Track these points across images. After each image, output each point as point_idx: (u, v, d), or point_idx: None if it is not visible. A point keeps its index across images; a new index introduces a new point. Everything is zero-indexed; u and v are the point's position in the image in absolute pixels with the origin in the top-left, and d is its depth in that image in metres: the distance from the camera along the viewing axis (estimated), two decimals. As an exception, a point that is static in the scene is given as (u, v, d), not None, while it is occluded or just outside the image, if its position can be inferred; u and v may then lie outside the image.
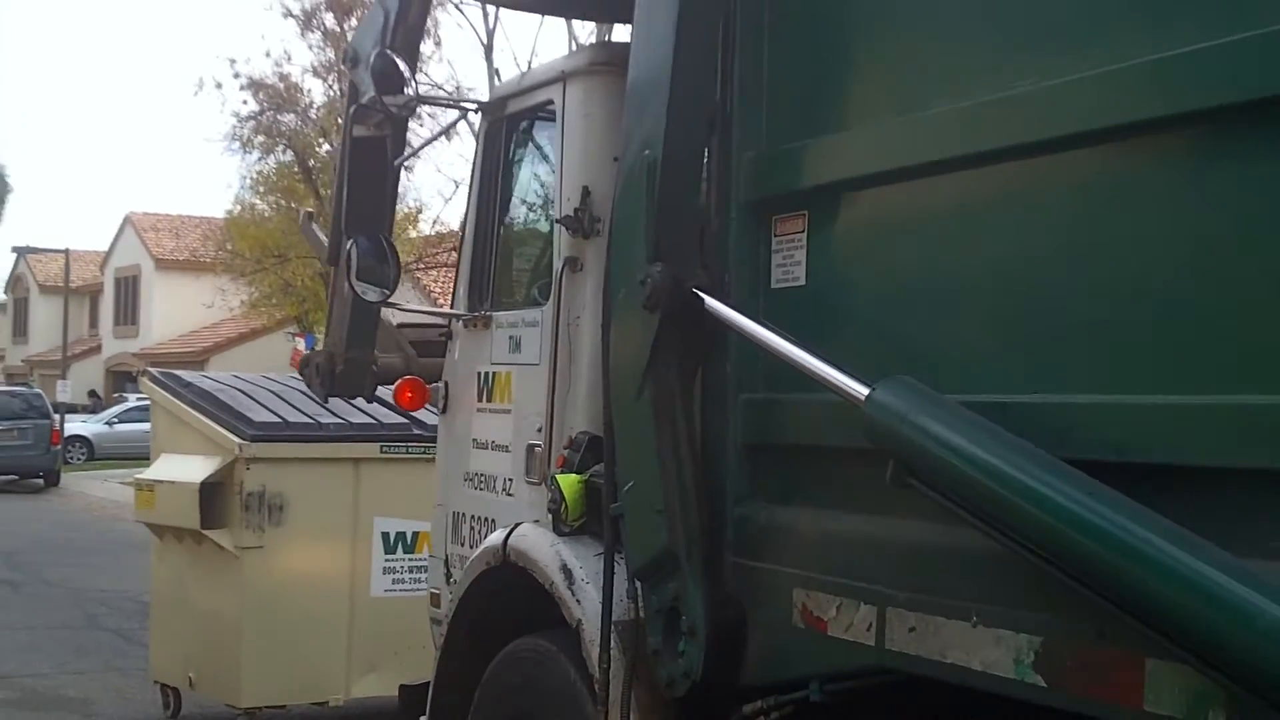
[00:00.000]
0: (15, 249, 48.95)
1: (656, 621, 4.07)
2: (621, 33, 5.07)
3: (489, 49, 22.45)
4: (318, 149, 28.10)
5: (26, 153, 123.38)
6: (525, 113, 5.38)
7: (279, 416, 8.08)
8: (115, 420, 37.17)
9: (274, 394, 8.60)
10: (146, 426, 10.93)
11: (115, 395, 43.43)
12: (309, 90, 28.35)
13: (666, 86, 3.94)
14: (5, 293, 61.50)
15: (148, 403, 9.93)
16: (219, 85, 28.66)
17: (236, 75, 28.05)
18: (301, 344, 22.13)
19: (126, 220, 49.85)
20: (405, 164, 5.93)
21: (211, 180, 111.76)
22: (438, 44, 24.68)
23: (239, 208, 30.83)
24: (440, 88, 22.82)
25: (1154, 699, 2.73)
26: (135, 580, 13.43)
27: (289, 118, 28.84)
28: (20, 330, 58.52)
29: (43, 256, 49.16)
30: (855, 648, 3.50)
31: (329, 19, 27.05)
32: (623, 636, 4.26)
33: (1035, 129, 3.09)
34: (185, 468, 8.19)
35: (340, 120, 24.52)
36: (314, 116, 28.36)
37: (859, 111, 3.71)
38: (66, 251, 41.63)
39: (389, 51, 5.47)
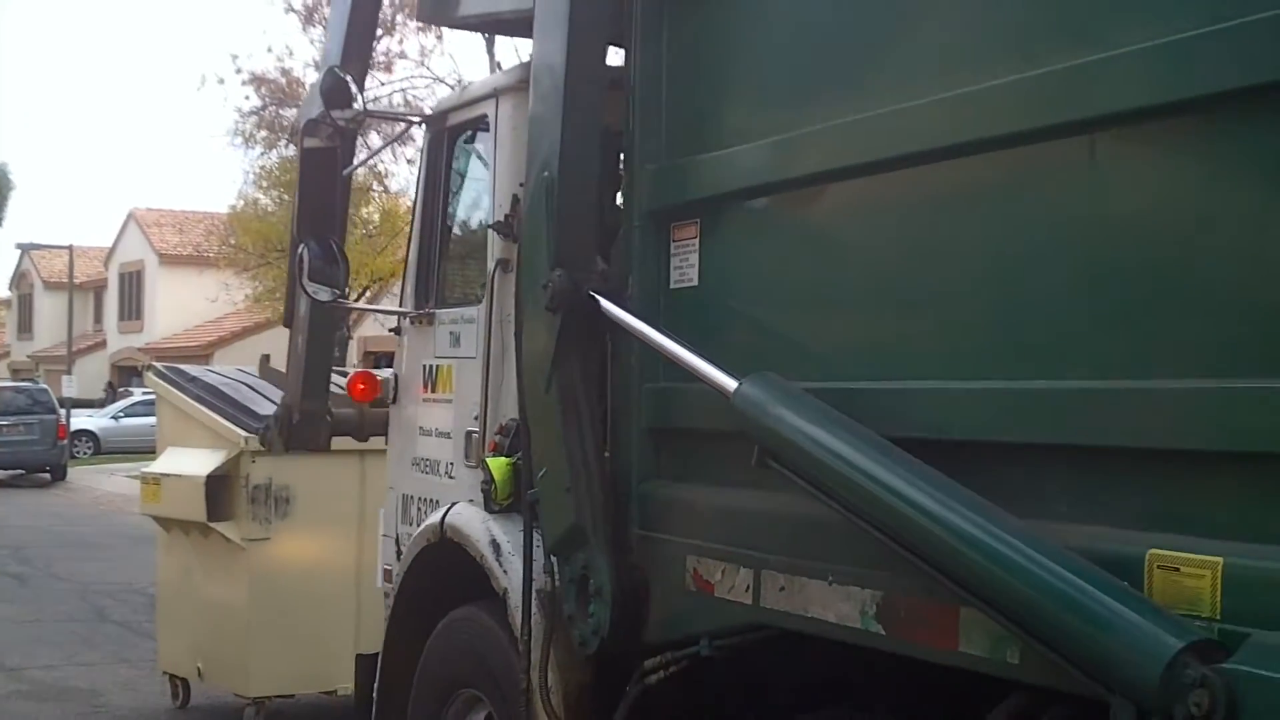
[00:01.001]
0: (19, 245, 49.20)
1: (570, 590, 4.53)
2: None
3: (490, 41, 22.73)
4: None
5: (30, 150, 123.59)
6: (464, 125, 5.82)
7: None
8: (121, 414, 37.31)
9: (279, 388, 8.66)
10: (152, 421, 10.89)
11: (120, 390, 43.45)
12: (311, 85, 28.36)
13: (560, 116, 4.42)
14: (10, 289, 61.57)
15: (153, 397, 9.90)
16: (221, 81, 28.80)
17: (239, 71, 27.96)
18: None
19: (130, 216, 49.92)
20: (353, 172, 6.35)
21: (215, 175, 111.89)
22: (439, 37, 24.81)
23: (242, 203, 30.50)
24: (442, 80, 23.09)
25: (965, 642, 3.18)
26: (142, 573, 13.50)
27: (291, 112, 28.84)
28: (25, 326, 58.60)
29: (47, 253, 49.22)
30: (737, 606, 3.96)
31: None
32: (542, 603, 4.73)
33: (878, 150, 3.55)
34: (191, 461, 8.28)
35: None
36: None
37: (739, 132, 4.15)
38: (70, 248, 41.76)
39: (336, 70, 5.92)
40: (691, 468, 4.30)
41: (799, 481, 3.50)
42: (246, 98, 28.49)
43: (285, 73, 28.00)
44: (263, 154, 29.44)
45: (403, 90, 24.28)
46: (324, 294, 5.95)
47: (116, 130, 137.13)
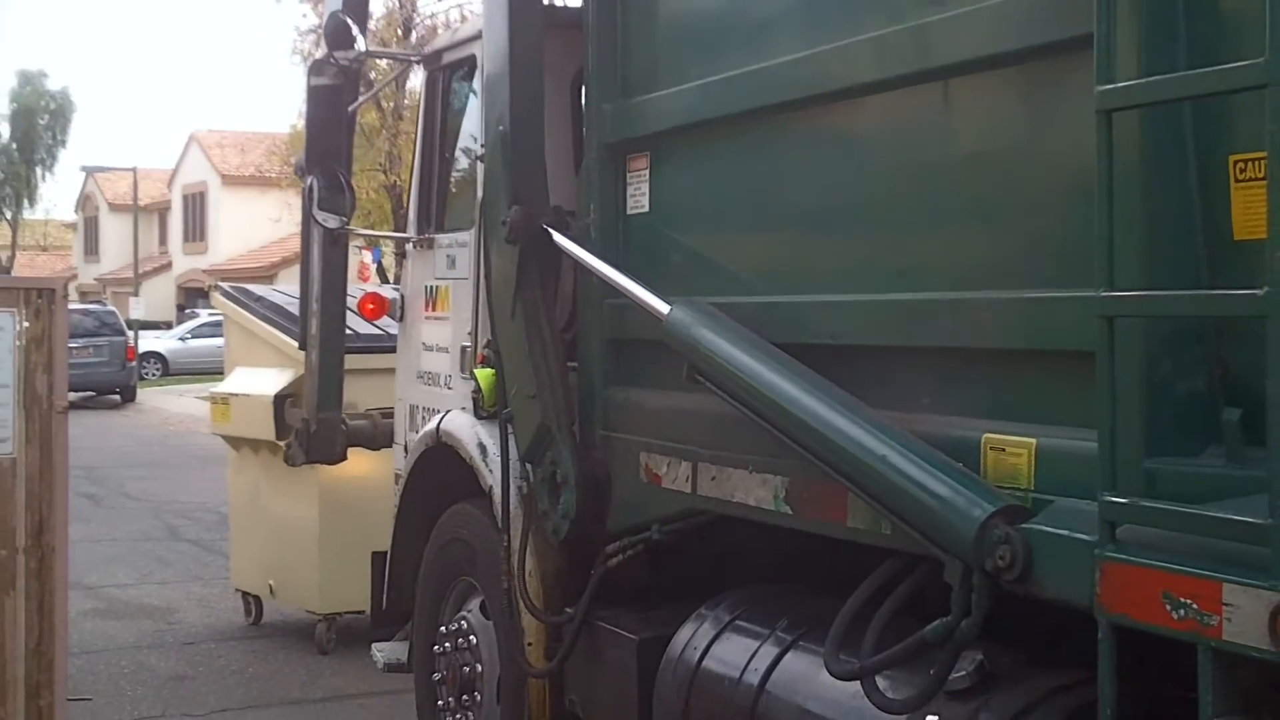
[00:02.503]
0: (84, 168, 49.82)
1: (542, 489, 5.10)
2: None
3: None
4: (377, 60, 28.11)
5: (92, 72, 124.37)
6: (457, 64, 6.32)
7: (350, 328, 7.70)
8: (188, 336, 37.60)
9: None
10: (219, 342, 10.80)
11: (187, 311, 44.01)
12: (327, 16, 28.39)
13: (507, 77, 4.98)
14: (76, 212, 62.34)
15: (219, 318, 10.00)
16: (278, 0, 28.44)
17: None
18: (368, 256, 22.27)
19: (192, 138, 50.43)
20: (358, 108, 6.87)
21: (275, 95, 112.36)
22: None
23: (302, 122, 30.62)
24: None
25: (852, 518, 3.72)
26: (213, 492, 13.65)
27: None
28: (91, 249, 59.30)
29: (111, 175, 49.76)
30: (679, 495, 4.52)
31: None
32: (521, 499, 5.31)
33: (783, 93, 4.06)
34: (259, 380, 8.38)
35: (399, 31, 25.11)
36: (373, 28, 28.13)
37: (681, 74, 4.64)
38: (134, 170, 42.28)
39: (339, 13, 6.43)
40: (643, 374, 4.84)
41: (718, 392, 4.05)
42: (304, 15, 27.88)
43: None
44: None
45: (460, 5, 24.41)
46: (333, 221, 6.51)
47: (177, 52, 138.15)
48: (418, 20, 25.65)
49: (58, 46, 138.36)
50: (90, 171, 49.73)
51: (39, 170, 57.70)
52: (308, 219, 6.78)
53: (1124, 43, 2.75)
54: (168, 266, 51.76)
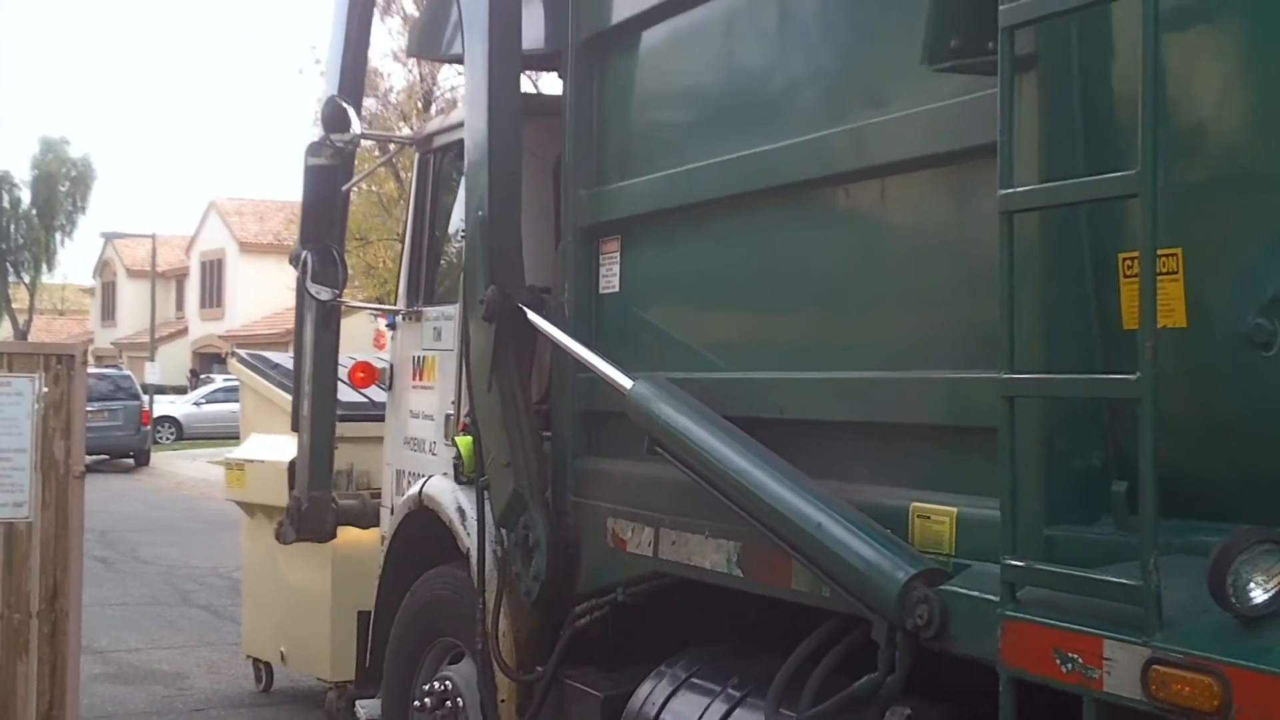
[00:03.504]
0: (103, 234, 50.31)
1: (516, 552, 5.37)
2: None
3: None
4: (399, 132, 28.17)
5: (113, 140, 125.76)
6: (446, 148, 6.66)
7: (365, 396, 7.91)
8: (203, 401, 37.84)
9: None
10: (233, 407, 10.69)
11: (202, 376, 44.19)
12: (388, 75, 27.88)
13: (486, 165, 5.30)
14: (94, 277, 63.00)
15: (234, 383, 9.90)
16: (300, 71, 28.65)
17: (317, 61, 28.08)
18: (384, 324, 22.71)
19: (211, 205, 51.03)
20: (351, 187, 7.19)
21: (294, 164, 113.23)
22: None
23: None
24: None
25: (796, 582, 3.98)
26: (225, 557, 13.76)
27: (369, 102, 28.30)
28: (109, 313, 59.94)
29: (130, 241, 50.34)
30: (642, 559, 4.79)
31: (408, 4, 25.79)
32: (497, 562, 5.57)
33: (737, 185, 4.38)
34: (274, 447, 8.37)
35: (419, 104, 25.40)
36: (393, 101, 28.05)
37: (650, 164, 4.96)
38: (153, 236, 42.79)
39: (336, 98, 6.77)
40: (611, 444, 5.12)
41: (675, 462, 4.34)
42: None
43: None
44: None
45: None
46: (325, 294, 6.82)
47: (198, 121, 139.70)
48: (438, 94, 26.02)
49: (80, 114, 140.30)
50: (109, 237, 50.30)
51: (58, 236, 58.38)
52: (302, 296, 7.08)
53: (1024, 150, 3.05)
54: (184, 332, 52.22)
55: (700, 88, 4.73)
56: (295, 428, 7.39)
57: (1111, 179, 2.78)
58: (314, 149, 6.87)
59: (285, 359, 9.51)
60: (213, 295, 50.54)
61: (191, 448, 33.47)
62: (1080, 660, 2.80)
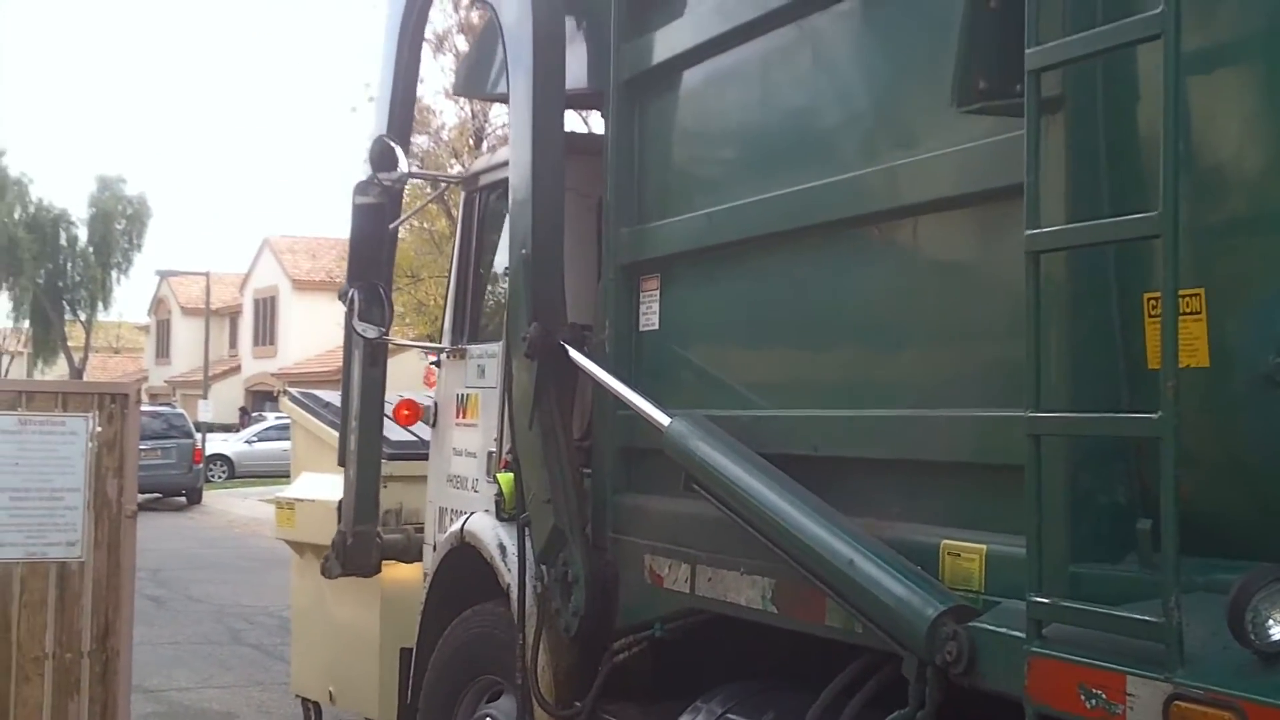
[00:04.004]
0: (158, 272, 51.12)
1: (556, 588, 5.43)
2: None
3: None
4: (449, 169, 28.20)
5: (168, 179, 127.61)
6: (492, 186, 6.76)
7: (415, 435, 7.88)
8: (255, 439, 38.12)
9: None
10: (285, 445, 10.49)
11: (254, 414, 44.51)
12: (440, 112, 28.00)
13: (530, 204, 5.38)
14: (149, 315, 63.82)
15: (286, 421, 9.77)
16: (354, 109, 28.69)
17: (371, 99, 28.28)
18: (433, 362, 22.71)
19: (264, 243, 51.53)
20: (398, 226, 7.30)
21: (347, 203, 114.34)
22: None
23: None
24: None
25: (830, 618, 4.02)
26: (276, 596, 13.77)
27: (421, 139, 28.21)
28: (163, 351, 60.68)
29: (184, 279, 51.10)
30: (679, 595, 4.83)
31: (460, 42, 25.83)
32: (537, 598, 5.62)
33: (773, 224, 4.43)
34: (325, 486, 8.33)
35: (471, 141, 25.54)
36: (445, 138, 28.25)
37: (689, 203, 5.03)
38: (207, 274, 43.31)
39: (384, 137, 6.89)
40: (649, 481, 5.17)
41: (711, 499, 4.38)
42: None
43: (416, 100, 27.93)
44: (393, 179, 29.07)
45: None
46: (371, 332, 6.91)
47: (252, 159, 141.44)
48: (489, 130, 26.17)
49: (137, 152, 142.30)
50: (164, 275, 50.91)
51: (114, 274, 59.16)
52: (349, 333, 7.18)
53: (1050, 191, 3.09)
54: (237, 369, 52.62)
55: (737, 128, 4.80)
56: (341, 463, 7.48)
57: (1134, 220, 2.82)
58: (362, 188, 6.99)
59: (336, 397, 9.31)
60: (266, 333, 50.98)
61: (243, 486, 33.74)
62: (1104, 696, 2.82)
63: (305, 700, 9.30)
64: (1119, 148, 3.13)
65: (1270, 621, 2.59)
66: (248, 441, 38.54)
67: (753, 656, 4.92)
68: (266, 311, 51.03)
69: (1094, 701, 2.84)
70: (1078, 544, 3.13)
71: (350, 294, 6.90)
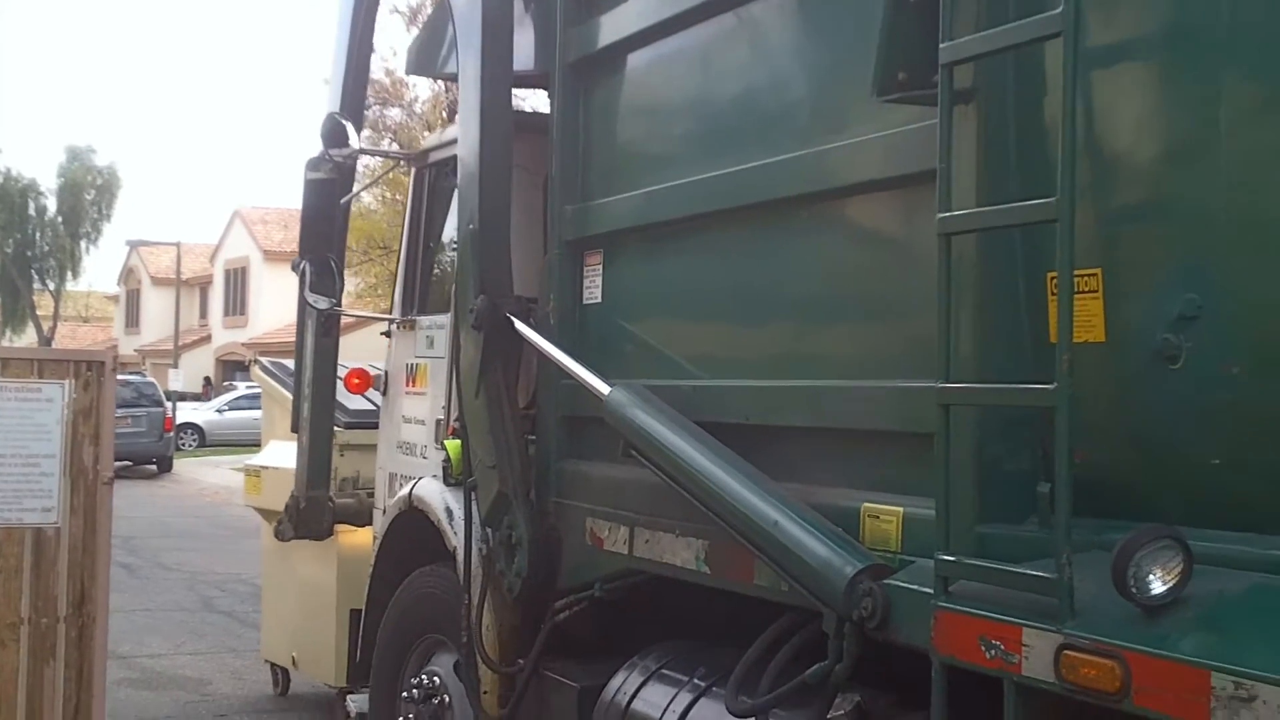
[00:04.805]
0: (128, 242, 50.71)
1: (500, 550, 5.62)
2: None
3: None
4: (422, 141, 27.68)
5: (138, 149, 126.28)
6: (442, 163, 6.92)
7: (373, 404, 7.89)
8: (225, 408, 38.01)
9: None
10: (256, 414, 10.43)
11: (225, 384, 44.44)
12: (414, 85, 27.99)
13: (478, 183, 5.56)
14: (118, 285, 63.52)
15: (257, 391, 9.77)
16: (326, 81, 28.56)
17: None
18: None
19: (235, 214, 51.31)
20: (350, 200, 7.44)
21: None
22: None
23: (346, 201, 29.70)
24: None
25: (759, 578, 4.24)
26: (248, 564, 13.62)
27: (395, 112, 28.75)
28: (133, 321, 60.32)
29: (154, 249, 50.75)
30: (617, 556, 5.04)
31: None
32: (482, 560, 5.82)
33: (705, 204, 4.64)
34: (290, 454, 8.28)
35: (445, 114, 25.48)
36: (419, 111, 28.41)
37: (630, 182, 5.22)
38: (178, 244, 42.99)
39: (335, 115, 7.03)
40: (591, 447, 5.37)
41: (648, 465, 4.59)
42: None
43: (389, 73, 27.34)
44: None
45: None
46: (323, 303, 7.07)
47: (223, 130, 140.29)
48: None
49: (106, 123, 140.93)
50: (134, 245, 50.58)
51: (84, 243, 58.80)
52: (302, 304, 7.33)
53: (962, 177, 3.31)
54: (207, 339, 52.49)
55: (676, 111, 5.00)
56: (295, 430, 7.64)
57: (1034, 205, 3.03)
58: (313, 163, 7.12)
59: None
60: (236, 303, 50.84)
61: (214, 455, 33.55)
62: (1002, 647, 3.05)
63: (274, 665, 9.43)
64: (1027, 137, 3.34)
65: (1150, 577, 2.81)
66: (218, 410, 38.42)
67: (688, 615, 5.14)
68: (237, 282, 50.88)
69: (993, 652, 3.07)
70: (984, 506, 3.35)
71: (302, 266, 7.05)
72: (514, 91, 6.06)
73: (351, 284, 30.95)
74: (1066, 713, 3.00)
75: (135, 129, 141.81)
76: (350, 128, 7.01)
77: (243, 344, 45.98)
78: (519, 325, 5.48)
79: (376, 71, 27.34)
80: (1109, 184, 3.18)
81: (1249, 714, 2.51)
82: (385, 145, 28.29)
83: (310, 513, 7.51)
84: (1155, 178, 3.14)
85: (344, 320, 7.62)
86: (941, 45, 3.28)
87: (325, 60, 48.86)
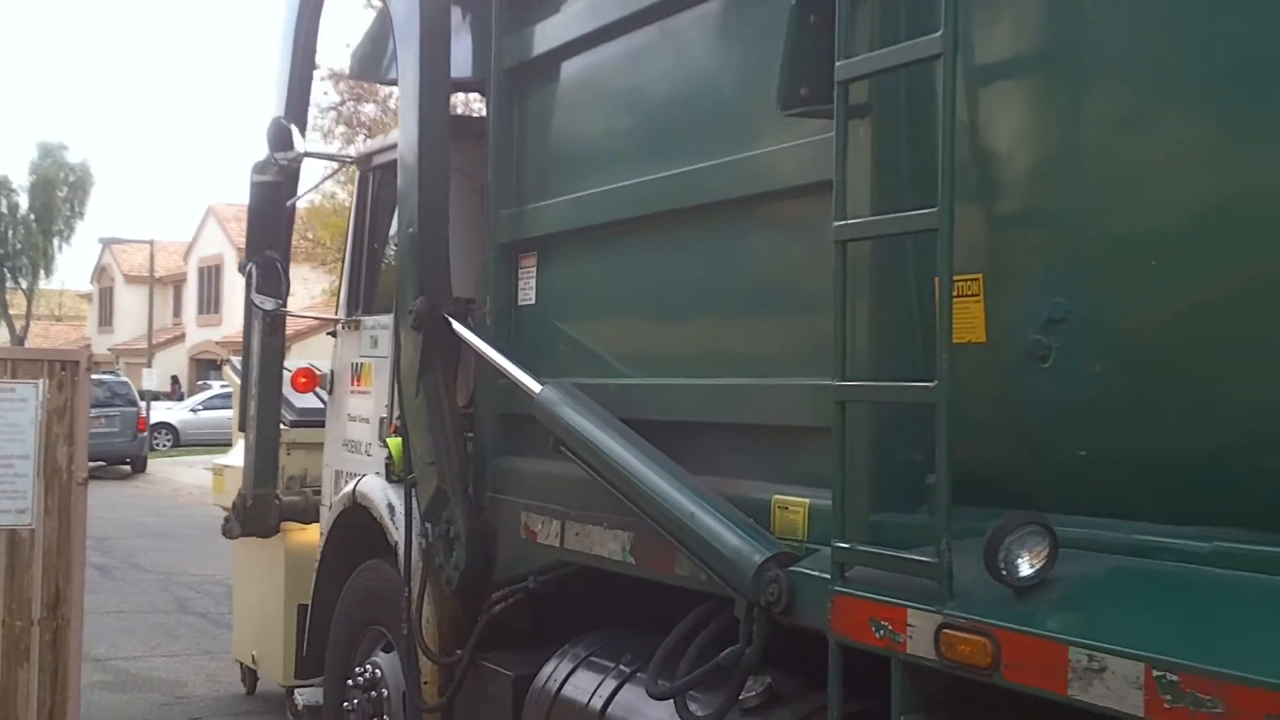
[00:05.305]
0: (101, 240, 50.31)
1: (439, 544, 5.82)
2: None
3: None
4: (366, 146, 27.25)
5: (111, 146, 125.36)
6: (385, 167, 7.09)
7: (323, 401, 7.90)
8: (200, 407, 37.94)
9: None
10: (229, 413, 10.56)
11: (199, 383, 44.24)
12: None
13: (417, 187, 5.74)
14: (91, 283, 63.13)
15: (230, 390, 9.86)
16: None
17: (317, 67, 27.74)
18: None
19: (209, 211, 51.16)
20: (295, 202, 7.60)
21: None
22: None
23: (320, 197, 28.87)
24: None
25: (680, 568, 4.44)
26: (223, 565, 13.27)
27: (369, 108, 28.75)
28: (106, 319, 60.07)
29: (128, 247, 50.42)
30: (550, 549, 5.24)
31: None
32: (422, 554, 6.01)
33: (628, 210, 4.84)
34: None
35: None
36: (393, 106, 27.07)
37: (561, 189, 5.42)
38: (151, 242, 42.66)
39: (281, 119, 7.20)
40: (526, 445, 5.57)
41: (576, 460, 4.79)
42: (325, 93, 28.02)
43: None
44: (341, 149, 27.40)
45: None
46: (269, 303, 7.24)
47: (196, 127, 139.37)
48: None
49: (79, 119, 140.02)
50: (107, 243, 50.33)
51: (56, 241, 58.42)
52: (249, 305, 7.50)
53: (857, 187, 3.52)
54: (181, 338, 52.32)
55: (603, 119, 5.21)
56: (242, 429, 7.80)
57: (917, 215, 3.25)
58: (259, 167, 7.30)
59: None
60: (211, 301, 50.75)
61: (188, 454, 33.41)
62: (890, 627, 3.26)
63: (243, 665, 9.49)
64: (918, 150, 3.54)
65: (1019, 560, 3.03)
66: (193, 410, 38.33)
67: (618, 605, 5.34)
68: (211, 279, 50.78)
69: (882, 632, 3.28)
70: (878, 497, 3.57)
71: (249, 268, 7.21)
72: (462, 96, 6.25)
73: (326, 281, 30.94)
74: (948, 688, 3.21)
75: (108, 125, 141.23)
76: (295, 131, 7.18)
77: (217, 342, 45.88)
78: (456, 326, 5.67)
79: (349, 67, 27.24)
80: (990, 195, 3.39)
81: (1100, 684, 2.72)
82: (360, 140, 28.32)
83: (257, 510, 7.68)
84: (1030, 190, 3.36)
85: (307, 321, 7.79)
86: (837, 63, 3.49)
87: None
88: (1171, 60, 2.99)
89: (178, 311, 54.82)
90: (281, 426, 8.10)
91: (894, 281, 3.58)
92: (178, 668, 10.56)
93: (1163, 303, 3.01)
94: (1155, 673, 2.62)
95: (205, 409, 37.47)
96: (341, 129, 28.70)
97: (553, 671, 5.11)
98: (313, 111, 29.87)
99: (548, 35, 5.49)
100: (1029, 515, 3.05)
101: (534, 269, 5.62)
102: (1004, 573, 3.02)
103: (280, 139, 7.16)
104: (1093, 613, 2.97)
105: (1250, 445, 2.86)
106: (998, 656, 2.97)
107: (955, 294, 3.39)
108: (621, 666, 4.83)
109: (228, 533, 7.99)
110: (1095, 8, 3.14)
